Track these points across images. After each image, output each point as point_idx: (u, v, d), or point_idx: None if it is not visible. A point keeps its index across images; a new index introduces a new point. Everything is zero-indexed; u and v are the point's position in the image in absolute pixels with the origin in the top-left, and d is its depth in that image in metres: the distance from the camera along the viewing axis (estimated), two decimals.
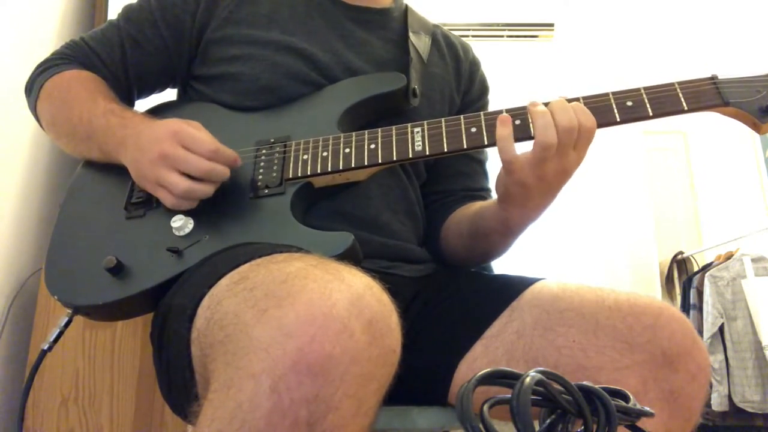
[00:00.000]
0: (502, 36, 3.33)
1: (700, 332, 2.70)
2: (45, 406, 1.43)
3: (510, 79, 2.88)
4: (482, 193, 0.99)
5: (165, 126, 0.75)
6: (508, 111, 0.77)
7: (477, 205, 0.91)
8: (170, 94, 0.99)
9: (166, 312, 0.67)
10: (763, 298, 2.60)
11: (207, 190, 0.74)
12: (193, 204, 0.75)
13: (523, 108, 0.76)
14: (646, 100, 0.74)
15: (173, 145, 0.73)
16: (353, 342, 0.44)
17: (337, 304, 0.46)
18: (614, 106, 0.74)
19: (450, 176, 0.98)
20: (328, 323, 0.44)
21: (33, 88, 0.91)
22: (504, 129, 0.73)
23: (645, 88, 0.74)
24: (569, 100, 0.75)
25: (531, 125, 0.73)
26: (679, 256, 3.25)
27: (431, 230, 0.96)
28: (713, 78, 0.74)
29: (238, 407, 0.43)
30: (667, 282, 3.25)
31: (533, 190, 0.74)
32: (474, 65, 1.05)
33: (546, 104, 0.74)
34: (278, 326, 0.44)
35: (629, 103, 0.74)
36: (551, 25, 3.31)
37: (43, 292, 1.54)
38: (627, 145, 3.39)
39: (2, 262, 1.57)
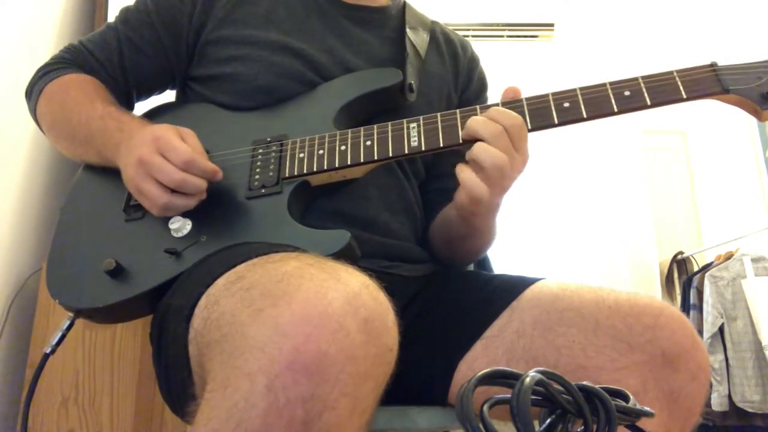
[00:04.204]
0: (502, 36, 3.33)
1: (700, 332, 2.70)
2: (45, 406, 1.43)
3: (510, 79, 2.88)
4: None
5: (150, 131, 0.75)
6: (503, 105, 0.76)
7: (443, 214, 0.91)
8: (170, 96, 0.99)
9: (165, 312, 0.67)
10: (763, 298, 2.60)
11: (187, 203, 0.73)
12: (179, 213, 0.74)
13: (520, 101, 0.76)
14: (644, 89, 0.72)
15: (151, 151, 0.72)
16: (349, 341, 0.44)
17: (332, 303, 0.46)
18: (612, 96, 0.73)
19: (446, 175, 0.98)
20: (324, 322, 0.44)
21: (33, 92, 0.91)
22: (465, 173, 0.73)
23: (643, 77, 0.73)
24: (565, 92, 0.75)
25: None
26: (679, 256, 3.25)
27: (427, 228, 0.97)
28: (713, 65, 0.73)
29: (234, 406, 0.43)
30: (667, 282, 3.25)
31: (493, 202, 0.76)
32: (473, 62, 1.05)
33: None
34: (274, 325, 0.44)
35: (627, 93, 0.73)
36: (551, 25, 3.31)
37: (43, 292, 1.54)
38: (627, 145, 3.39)
39: (2, 262, 1.57)
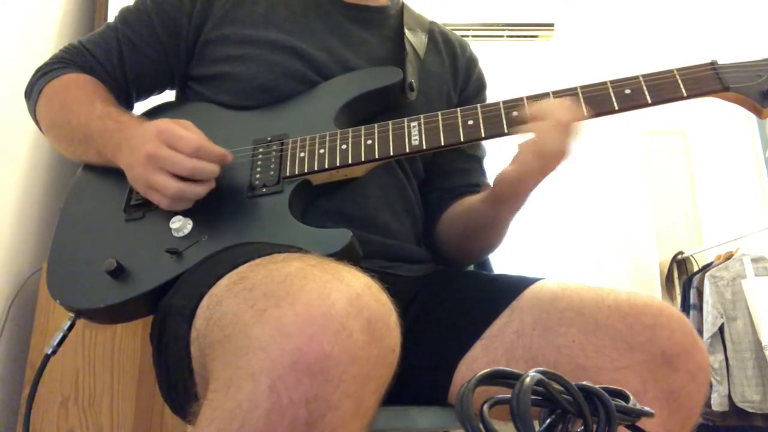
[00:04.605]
0: (502, 36, 3.33)
1: (700, 332, 2.70)
2: (45, 406, 1.42)
3: (510, 79, 2.88)
4: (478, 188, 0.99)
5: (152, 126, 0.75)
6: (504, 103, 0.77)
7: (465, 204, 0.92)
8: (169, 96, 0.99)
9: (166, 312, 0.67)
10: (763, 298, 2.60)
11: (198, 190, 0.73)
12: (189, 204, 0.74)
13: (519, 99, 0.76)
14: (645, 88, 0.73)
15: (158, 144, 0.72)
16: (352, 342, 0.44)
17: (335, 304, 0.46)
18: (612, 94, 0.73)
19: (449, 173, 0.98)
20: (327, 323, 0.44)
21: (32, 92, 0.91)
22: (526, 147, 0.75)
23: (643, 76, 0.74)
24: (565, 91, 0.75)
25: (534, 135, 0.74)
26: (679, 256, 3.25)
27: (429, 227, 0.97)
28: (713, 63, 0.73)
29: (237, 407, 0.43)
30: (667, 282, 3.24)
31: (530, 186, 0.79)
32: (471, 62, 1.05)
33: (521, 104, 0.76)
34: (277, 326, 0.44)
35: (627, 91, 0.73)
36: (551, 25, 3.31)
37: (43, 292, 1.54)
38: (627, 146, 3.38)
39: (2, 262, 1.57)
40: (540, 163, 0.74)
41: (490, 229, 0.87)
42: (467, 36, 3.13)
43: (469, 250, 0.93)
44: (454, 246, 0.93)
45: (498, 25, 3.27)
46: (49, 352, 0.75)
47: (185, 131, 0.73)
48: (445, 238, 0.94)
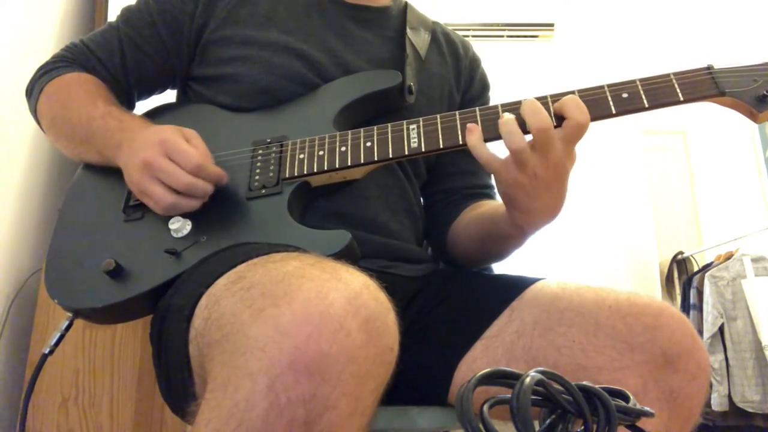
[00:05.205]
0: (502, 36, 3.33)
1: (700, 332, 2.70)
2: (45, 406, 1.43)
3: (510, 79, 2.88)
4: (486, 190, 0.99)
5: (156, 133, 0.75)
6: (503, 106, 0.76)
7: (485, 209, 0.90)
8: (171, 96, 0.99)
9: (165, 312, 0.67)
10: (763, 298, 2.60)
11: (192, 204, 0.74)
12: (182, 212, 0.74)
13: (518, 102, 0.76)
14: (642, 92, 0.73)
15: (158, 154, 0.72)
16: (350, 341, 0.44)
17: (333, 303, 0.46)
18: (609, 98, 0.73)
19: (453, 174, 0.98)
20: (325, 322, 0.44)
21: (34, 91, 0.91)
22: (471, 136, 0.72)
23: (640, 80, 0.74)
24: (564, 94, 0.74)
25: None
26: (679, 256, 3.25)
27: (437, 230, 0.96)
28: (709, 68, 0.73)
29: (235, 406, 0.43)
30: (667, 282, 3.25)
31: (530, 188, 0.71)
32: (474, 63, 1.05)
33: (517, 108, 0.72)
34: (275, 325, 0.44)
35: (625, 95, 0.73)
36: (551, 25, 3.31)
37: (43, 292, 1.54)
38: (626, 145, 3.39)
39: (2, 262, 1.57)
40: (512, 165, 0.69)
41: (513, 240, 0.84)
42: (467, 36, 3.12)
43: (485, 255, 0.91)
44: (470, 250, 0.92)
45: (498, 25, 3.27)
46: (47, 351, 0.75)
47: (187, 145, 0.73)
48: (459, 241, 0.92)
